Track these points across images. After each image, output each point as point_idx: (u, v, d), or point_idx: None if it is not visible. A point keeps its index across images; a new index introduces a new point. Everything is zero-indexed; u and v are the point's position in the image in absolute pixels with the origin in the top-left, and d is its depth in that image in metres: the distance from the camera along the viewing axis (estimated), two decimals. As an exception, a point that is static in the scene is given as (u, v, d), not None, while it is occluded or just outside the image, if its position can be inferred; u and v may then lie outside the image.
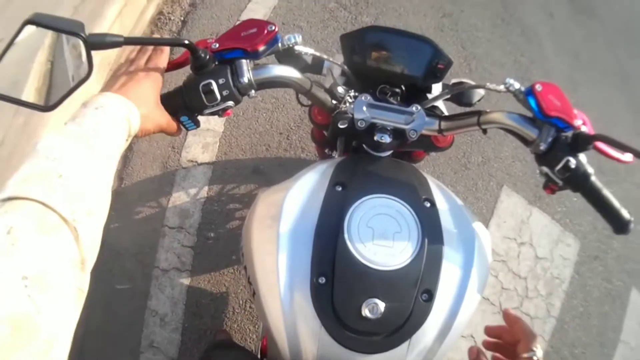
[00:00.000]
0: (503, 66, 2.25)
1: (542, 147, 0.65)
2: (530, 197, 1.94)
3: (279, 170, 1.82)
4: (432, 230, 0.63)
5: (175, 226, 1.68)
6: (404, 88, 0.79)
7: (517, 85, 0.67)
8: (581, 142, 0.63)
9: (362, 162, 0.75)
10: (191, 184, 1.75)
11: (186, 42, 0.54)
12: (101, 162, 0.45)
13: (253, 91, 0.62)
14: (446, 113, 0.83)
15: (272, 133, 1.90)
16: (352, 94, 0.73)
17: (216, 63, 0.60)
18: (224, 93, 0.58)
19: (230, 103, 0.60)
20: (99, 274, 1.54)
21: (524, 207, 1.91)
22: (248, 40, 0.60)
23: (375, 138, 0.72)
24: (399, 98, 0.77)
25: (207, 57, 0.58)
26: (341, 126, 0.71)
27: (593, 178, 0.64)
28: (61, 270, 0.36)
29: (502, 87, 0.68)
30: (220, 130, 1.87)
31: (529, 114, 0.67)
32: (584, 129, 0.66)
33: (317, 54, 0.70)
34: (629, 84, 2.45)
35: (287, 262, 0.61)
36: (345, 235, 0.61)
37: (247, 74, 0.60)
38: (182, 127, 0.62)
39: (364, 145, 0.79)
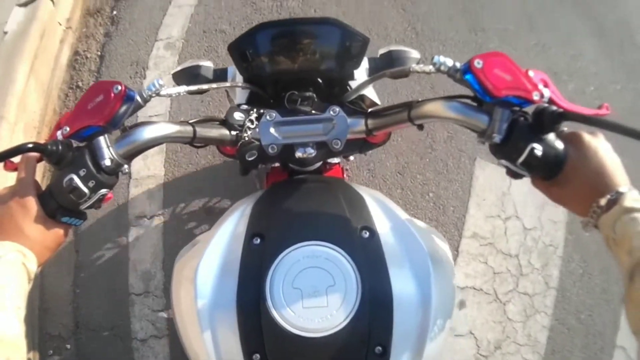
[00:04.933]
0: (451, 19, 1.99)
1: (497, 137, 0.53)
2: (507, 164, 1.77)
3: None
4: (374, 271, 0.54)
5: (141, 292, 1.61)
6: (320, 84, 0.67)
7: (449, 63, 0.55)
8: (547, 121, 0.51)
9: (282, 197, 0.64)
10: (146, 242, 1.65)
11: (29, 146, 0.48)
12: (8, 315, 0.43)
13: (125, 166, 0.53)
14: (376, 98, 0.73)
15: (217, 164, 1.75)
16: (253, 116, 0.61)
17: (75, 146, 0.52)
18: (91, 184, 0.51)
19: (104, 191, 0.52)
20: (82, 358, 1.54)
21: (502, 177, 1.75)
22: (97, 111, 0.51)
23: (298, 155, 0.61)
24: (313, 101, 0.64)
25: (60, 147, 0.50)
26: (250, 158, 0.60)
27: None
28: None
29: (430, 68, 0.56)
30: (161, 174, 1.74)
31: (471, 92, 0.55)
32: (546, 94, 0.53)
33: (193, 88, 0.60)
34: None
35: (213, 342, 0.54)
36: (269, 303, 0.52)
37: (108, 153, 0.51)
38: (67, 227, 0.55)
39: (289, 164, 0.70)
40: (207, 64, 0.82)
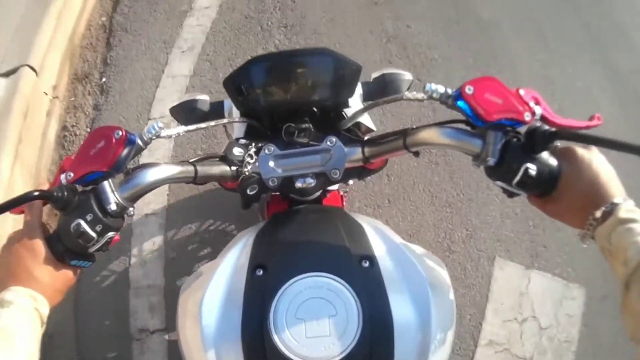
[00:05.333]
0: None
1: (491, 160, 0.54)
2: (526, 261, 1.71)
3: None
4: (374, 299, 0.56)
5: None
6: (316, 113, 0.68)
7: (441, 90, 0.56)
8: (539, 140, 0.52)
9: (283, 228, 0.65)
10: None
11: (35, 193, 0.49)
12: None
13: (131, 209, 0.55)
14: (371, 124, 0.75)
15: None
16: (252, 151, 0.62)
17: (80, 190, 0.54)
18: (98, 228, 0.52)
19: (111, 234, 0.54)
20: None
21: (520, 275, 1.69)
22: (100, 157, 0.53)
23: (298, 185, 0.62)
24: (310, 132, 0.65)
25: (66, 193, 0.51)
26: (251, 192, 0.61)
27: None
28: None
29: (422, 95, 0.57)
30: (161, 285, 1.65)
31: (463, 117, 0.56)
32: (538, 112, 0.55)
33: (191, 127, 0.60)
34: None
35: None
36: (273, 334, 0.53)
37: (114, 198, 0.53)
38: (77, 269, 0.56)
39: (291, 195, 0.71)
40: (204, 98, 0.84)
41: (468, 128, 0.57)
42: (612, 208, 0.50)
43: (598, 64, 2.11)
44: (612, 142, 0.46)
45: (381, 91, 0.83)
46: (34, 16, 2.07)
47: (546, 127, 0.53)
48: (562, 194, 0.54)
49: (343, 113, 0.72)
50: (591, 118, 0.58)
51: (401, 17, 2.16)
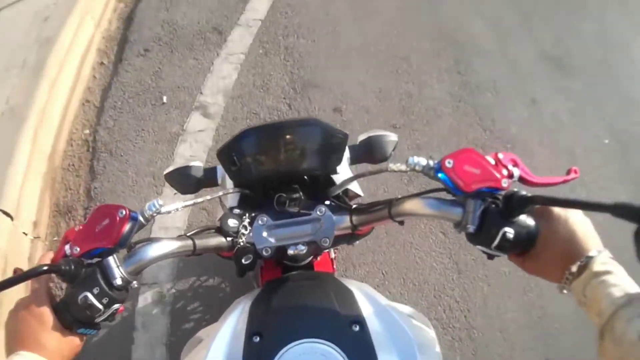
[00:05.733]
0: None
1: (471, 228, 0.57)
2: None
3: None
4: None
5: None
6: (306, 181, 0.73)
7: (423, 162, 0.61)
8: (516, 205, 0.55)
9: (276, 295, 0.68)
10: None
11: (44, 268, 0.53)
12: None
13: (135, 282, 0.59)
14: (359, 190, 0.79)
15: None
16: (246, 222, 0.66)
17: (86, 263, 0.57)
18: (104, 301, 0.55)
19: (116, 306, 0.57)
20: None
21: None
22: (104, 234, 0.57)
23: (290, 252, 0.66)
24: (300, 201, 0.69)
25: (72, 267, 0.55)
26: (246, 262, 0.65)
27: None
28: None
29: (404, 167, 0.62)
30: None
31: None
32: (516, 174, 0.59)
33: (189, 203, 0.65)
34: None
35: None
36: None
37: (119, 272, 0.56)
38: (83, 336, 0.60)
39: (284, 261, 0.75)
40: (197, 164, 0.88)
41: (449, 196, 0.61)
42: (587, 262, 0.52)
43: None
44: (584, 203, 0.48)
45: (368, 153, 0.87)
46: (6, 140, 1.88)
47: (523, 192, 0.55)
48: (539, 251, 0.57)
49: (332, 179, 0.75)
50: (568, 172, 0.61)
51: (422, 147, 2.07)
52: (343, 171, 0.77)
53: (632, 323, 0.45)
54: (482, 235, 0.57)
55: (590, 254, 0.52)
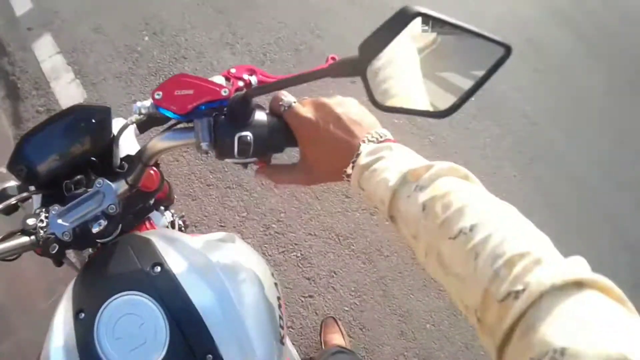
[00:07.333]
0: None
1: (204, 144, 0.58)
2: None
3: None
4: (172, 297, 0.61)
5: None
6: (95, 162, 0.75)
7: (147, 104, 0.61)
8: (241, 108, 0.57)
9: (88, 270, 0.73)
10: None
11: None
12: None
13: None
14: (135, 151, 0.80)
15: None
16: (42, 216, 0.69)
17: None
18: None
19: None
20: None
21: None
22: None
23: (94, 230, 0.69)
24: (88, 181, 0.72)
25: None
26: (53, 251, 0.67)
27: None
28: None
29: (136, 116, 0.63)
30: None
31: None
32: (254, 81, 0.61)
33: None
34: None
35: None
36: None
37: None
38: None
39: (99, 242, 0.77)
40: (12, 184, 0.87)
41: (187, 127, 0.62)
42: (356, 158, 0.51)
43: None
44: (300, 77, 0.49)
45: (152, 119, 0.83)
46: None
47: (239, 93, 0.55)
48: (308, 164, 0.56)
49: (116, 152, 0.77)
50: (327, 60, 0.59)
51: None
52: (128, 144, 0.81)
53: (411, 199, 0.45)
54: (219, 147, 0.58)
55: (360, 149, 0.51)
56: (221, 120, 0.57)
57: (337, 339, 1.71)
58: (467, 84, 0.47)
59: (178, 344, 0.58)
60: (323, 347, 1.68)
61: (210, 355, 0.57)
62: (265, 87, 0.53)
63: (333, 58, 0.59)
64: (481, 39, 0.44)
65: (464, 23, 0.44)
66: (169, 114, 0.58)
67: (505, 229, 0.38)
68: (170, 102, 0.57)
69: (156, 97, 0.58)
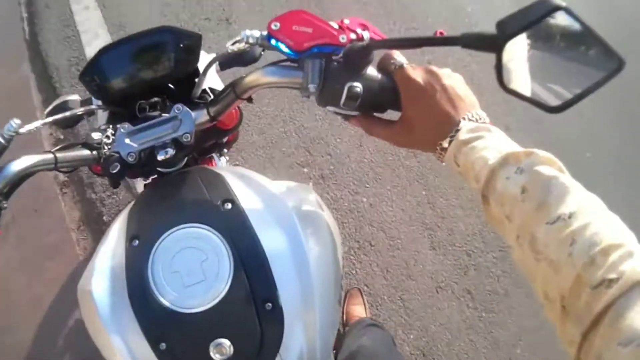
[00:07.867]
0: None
1: (312, 87, 0.56)
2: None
3: None
4: (240, 236, 0.58)
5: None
6: (171, 88, 0.74)
7: (257, 34, 0.58)
8: (356, 57, 0.55)
9: (148, 197, 0.71)
10: None
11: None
12: None
13: (5, 203, 0.56)
14: (221, 87, 0.78)
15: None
16: (109, 132, 0.66)
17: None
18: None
19: None
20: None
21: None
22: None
23: (160, 158, 0.66)
24: (163, 105, 0.70)
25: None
26: (114, 171, 0.64)
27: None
28: None
29: (243, 44, 0.60)
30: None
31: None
32: (366, 36, 0.58)
33: (48, 120, 0.65)
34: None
35: (125, 346, 0.57)
36: (156, 294, 0.56)
37: None
38: None
39: (160, 170, 0.76)
40: (74, 98, 0.89)
41: (293, 65, 0.59)
42: (455, 133, 0.51)
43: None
44: (427, 39, 0.48)
45: (237, 57, 0.84)
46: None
47: (360, 43, 0.54)
48: (407, 126, 0.56)
49: (196, 82, 0.74)
50: (435, 34, 0.57)
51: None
52: (211, 77, 0.78)
53: (510, 180, 0.45)
54: (326, 93, 0.56)
55: (460, 125, 0.51)
56: (333, 66, 0.55)
57: (359, 310, 1.70)
58: (578, 87, 0.47)
59: (239, 288, 0.54)
60: (344, 317, 1.66)
61: (269, 304, 0.54)
62: (387, 42, 0.51)
63: (441, 33, 0.56)
64: (601, 47, 0.44)
65: (595, 30, 0.44)
66: (282, 48, 0.56)
67: (601, 220, 0.40)
68: (287, 36, 0.55)
69: (273, 27, 0.55)
